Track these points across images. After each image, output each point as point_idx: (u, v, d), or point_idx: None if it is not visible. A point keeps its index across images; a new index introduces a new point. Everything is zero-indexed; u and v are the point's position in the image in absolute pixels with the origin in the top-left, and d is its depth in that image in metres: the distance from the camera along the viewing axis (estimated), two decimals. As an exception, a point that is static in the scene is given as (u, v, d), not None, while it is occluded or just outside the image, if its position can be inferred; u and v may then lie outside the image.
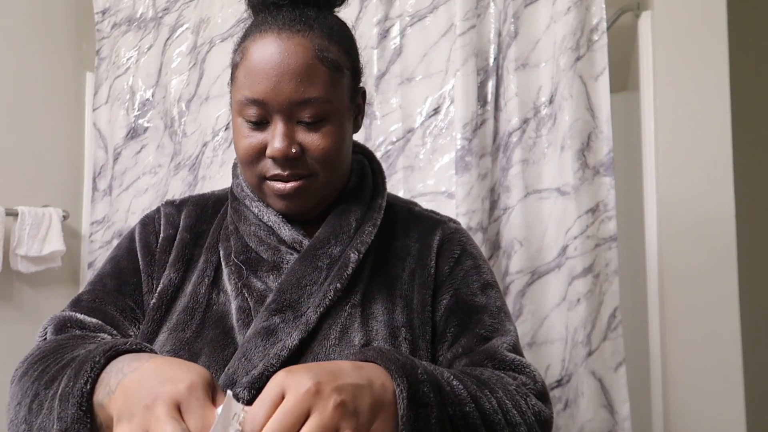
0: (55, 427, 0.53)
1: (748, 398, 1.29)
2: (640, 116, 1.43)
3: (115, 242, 1.67)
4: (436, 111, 1.42)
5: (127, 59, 1.71)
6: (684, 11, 1.37)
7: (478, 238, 1.33)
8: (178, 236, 0.81)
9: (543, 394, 0.69)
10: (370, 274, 0.76)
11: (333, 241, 0.75)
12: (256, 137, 0.70)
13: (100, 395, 0.53)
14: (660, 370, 1.35)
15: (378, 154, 1.43)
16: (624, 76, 1.57)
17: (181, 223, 0.82)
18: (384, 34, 1.45)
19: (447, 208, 1.39)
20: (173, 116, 1.63)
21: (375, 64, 1.45)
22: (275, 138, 0.69)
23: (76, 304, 0.75)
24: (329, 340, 0.70)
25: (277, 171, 0.70)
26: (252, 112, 0.69)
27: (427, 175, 1.41)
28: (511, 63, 1.38)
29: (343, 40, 0.73)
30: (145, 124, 1.68)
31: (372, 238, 0.76)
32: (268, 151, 0.70)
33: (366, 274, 0.75)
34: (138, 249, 0.80)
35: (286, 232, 0.76)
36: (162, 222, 0.82)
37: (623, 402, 1.28)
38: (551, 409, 0.69)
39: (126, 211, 1.67)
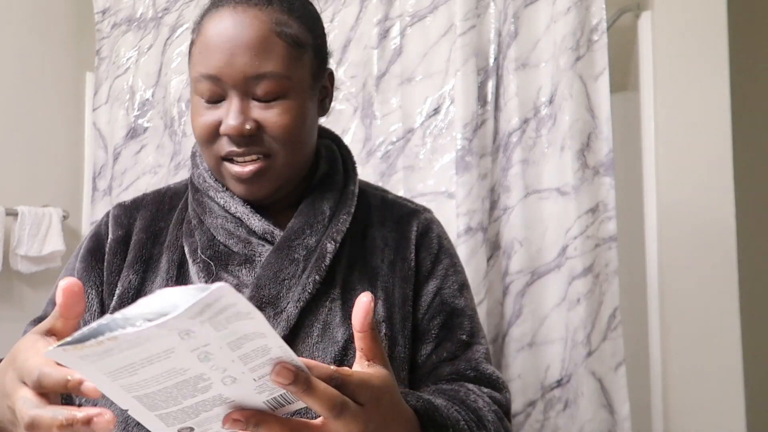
0: None
1: (748, 398, 1.29)
2: (640, 116, 1.43)
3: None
4: (436, 111, 1.42)
5: (127, 59, 1.71)
6: (684, 11, 1.37)
7: (478, 238, 1.33)
8: (133, 237, 0.76)
9: (508, 412, 0.72)
10: (348, 265, 0.73)
11: (308, 231, 0.71)
12: (212, 115, 0.67)
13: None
14: (660, 370, 1.35)
15: (378, 154, 1.43)
16: (624, 76, 1.57)
17: (137, 223, 0.78)
18: (384, 34, 1.45)
19: (447, 208, 1.39)
20: (173, 116, 1.63)
21: (375, 64, 1.45)
22: (229, 114, 0.65)
23: (31, 325, 0.72)
24: (311, 337, 0.68)
25: (233, 148, 0.67)
26: (206, 88, 0.66)
27: (427, 175, 1.41)
28: (511, 63, 1.38)
29: (305, 16, 0.70)
30: (145, 124, 1.68)
31: (347, 226, 0.73)
32: (222, 128, 0.66)
33: (344, 264, 0.72)
34: (84, 263, 0.75)
35: (256, 222, 0.72)
36: (110, 225, 0.78)
37: (623, 402, 1.28)
38: (510, 421, 0.73)
39: (126, 211, 1.67)
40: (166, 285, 0.72)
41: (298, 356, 0.43)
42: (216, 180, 0.75)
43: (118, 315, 0.37)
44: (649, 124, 1.40)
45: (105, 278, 0.74)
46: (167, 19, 1.67)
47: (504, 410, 0.71)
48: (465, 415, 0.64)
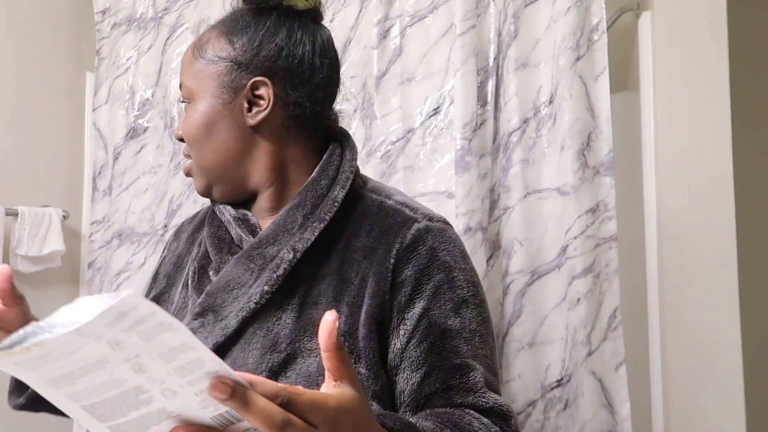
0: None
1: (748, 398, 1.29)
2: (640, 116, 1.43)
3: (115, 242, 1.67)
4: (436, 111, 1.42)
5: (127, 59, 1.71)
6: (684, 11, 1.37)
7: (478, 238, 1.33)
8: (177, 249, 0.87)
9: None
10: (317, 276, 0.71)
11: (272, 240, 0.71)
12: None
13: None
14: (660, 370, 1.35)
15: (378, 154, 1.43)
16: (624, 76, 1.57)
17: (183, 235, 0.89)
18: (384, 34, 1.45)
19: (447, 208, 1.39)
20: (173, 116, 1.63)
21: (375, 64, 1.45)
22: None
23: None
24: (252, 345, 0.67)
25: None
26: None
27: (427, 175, 1.41)
28: (511, 63, 1.38)
29: (234, 32, 0.75)
30: (145, 124, 1.68)
31: (317, 234, 0.70)
32: None
33: (311, 275, 0.71)
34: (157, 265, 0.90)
35: (233, 230, 0.76)
36: (168, 241, 0.92)
37: (623, 402, 1.28)
38: None
39: (126, 211, 1.67)
40: (182, 292, 0.79)
41: (234, 365, 0.43)
42: None
43: (42, 323, 0.38)
44: (649, 124, 1.40)
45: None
46: (167, 19, 1.67)
47: None
48: None
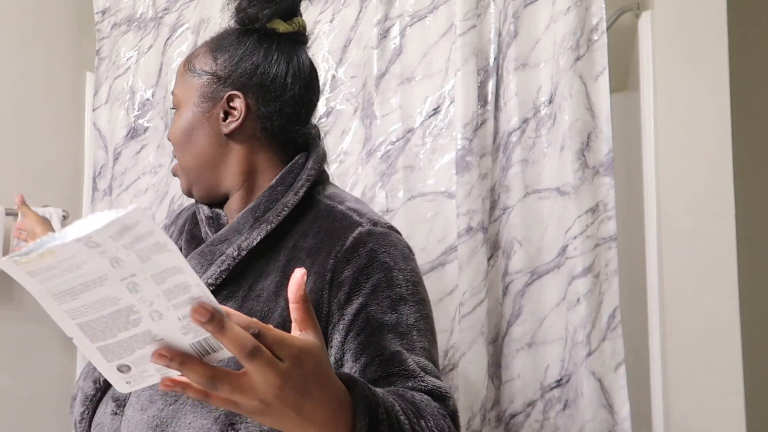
0: None
1: (748, 398, 1.29)
2: (640, 116, 1.43)
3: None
4: (436, 111, 1.42)
5: (127, 59, 1.71)
6: (684, 11, 1.37)
7: (478, 238, 1.33)
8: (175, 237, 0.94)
9: (454, 416, 0.69)
10: (265, 272, 0.77)
11: (224, 239, 0.79)
12: None
13: None
14: (660, 370, 1.35)
15: (378, 154, 1.43)
16: (624, 76, 1.57)
17: (173, 226, 0.98)
18: (384, 34, 1.45)
19: (447, 208, 1.39)
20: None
21: (375, 64, 1.45)
22: None
23: None
24: None
25: None
26: None
27: (427, 175, 1.41)
28: (511, 63, 1.38)
29: (219, 48, 0.84)
30: (145, 124, 1.68)
31: (263, 235, 0.77)
32: None
33: (258, 271, 0.77)
34: None
35: (203, 228, 0.86)
36: (167, 223, 1.02)
37: (623, 402, 1.28)
38: (459, 425, 0.69)
39: (126, 211, 1.67)
40: None
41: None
42: None
43: (56, 233, 0.42)
44: (649, 124, 1.40)
45: None
46: (167, 19, 1.67)
47: (448, 413, 0.68)
48: (402, 404, 0.62)
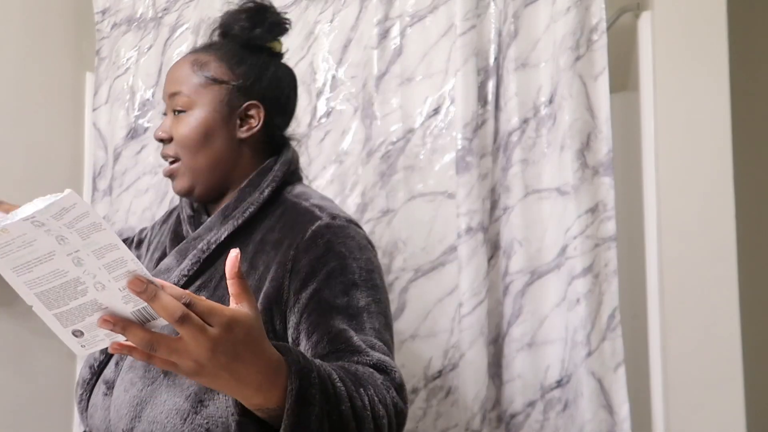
0: None
1: (748, 398, 1.29)
2: (640, 116, 1.43)
3: (115, 242, 1.67)
4: (436, 111, 1.42)
5: (127, 59, 1.71)
6: (684, 11, 1.37)
7: (478, 238, 1.33)
8: (145, 239, 1.09)
9: (401, 387, 0.74)
10: None
11: (199, 236, 0.88)
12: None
13: None
14: (660, 370, 1.35)
15: (378, 155, 1.43)
16: (624, 76, 1.57)
17: (151, 230, 1.09)
18: (384, 34, 1.45)
19: (447, 209, 1.39)
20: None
21: (375, 64, 1.45)
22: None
23: None
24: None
25: (161, 151, 0.91)
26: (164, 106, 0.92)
27: (428, 176, 1.41)
28: (511, 63, 1.38)
29: (236, 64, 0.91)
30: (145, 124, 1.68)
31: (230, 230, 0.86)
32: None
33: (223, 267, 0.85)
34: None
35: (184, 227, 0.95)
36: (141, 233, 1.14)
37: (623, 402, 1.28)
38: (406, 398, 0.75)
39: (126, 211, 1.67)
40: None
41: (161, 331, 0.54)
42: None
43: (8, 215, 0.49)
44: (649, 124, 1.40)
45: None
46: (167, 19, 1.67)
47: (394, 385, 0.72)
48: (341, 373, 0.66)
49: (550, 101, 1.37)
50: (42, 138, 1.69)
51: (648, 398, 1.38)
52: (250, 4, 0.93)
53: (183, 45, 1.64)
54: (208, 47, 0.94)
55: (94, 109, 1.77)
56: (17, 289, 0.53)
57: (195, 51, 0.94)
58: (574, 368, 1.30)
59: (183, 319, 0.51)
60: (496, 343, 1.37)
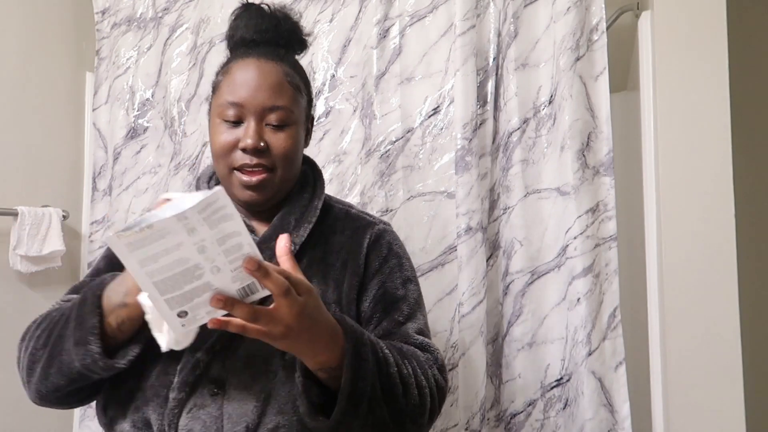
0: (75, 334, 0.76)
1: (748, 398, 1.29)
2: (640, 116, 1.43)
3: (115, 242, 1.67)
4: (435, 111, 1.42)
5: (127, 59, 1.71)
6: (684, 11, 1.37)
7: (478, 238, 1.33)
8: None
9: (442, 367, 0.87)
10: (308, 262, 0.90)
11: (273, 238, 0.89)
12: (232, 134, 0.86)
13: (114, 301, 0.75)
14: (660, 370, 1.35)
15: (377, 154, 1.43)
16: (624, 76, 1.57)
17: None
18: (384, 34, 1.45)
19: (447, 208, 1.39)
20: (173, 116, 1.63)
21: (375, 64, 1.45)
22: (248, 134, 0.85)
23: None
24: None
25: (246, 161, 0.86)
26: (231, 112, 0.86)
27: (427, 175, 1.41)
28: (510, 63, 1.38)
29: (302, 73, 0.93)
30: (145, 124, 1.68)
31: (308, 232, 0.91)
32: (241, 144, 0.85)
33: (305, 263, 0.90)
34: (104, 261, 1.00)
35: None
36: None
37: (623, 401, 1.28)
38: (447, 379, 0.87)
39: (126, 211, 1.67)
40: None
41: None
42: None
43: (147, 214, 0.56)
44: (649, 124, 1.40)
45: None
46: (167, 19, 1.67)
47: (435, 364, 0.85)
48: (387, 344, 0.79)
49: (550, 101, 1.37)
50: (42, 138, 1.69)
51: (648, 398, 1.38)
52: (279, 15, 0.93)
53: (183, 45, 1.64)
54: (274, 53, 0.90)
55: (94, 109, 1.77)
56: (137, 278, 0.58)
57: (272, 59, 0.89)
58: (574, 367, 1.30)
59: (287, 292, 0.63)
60: (496, 343, 1.37)
